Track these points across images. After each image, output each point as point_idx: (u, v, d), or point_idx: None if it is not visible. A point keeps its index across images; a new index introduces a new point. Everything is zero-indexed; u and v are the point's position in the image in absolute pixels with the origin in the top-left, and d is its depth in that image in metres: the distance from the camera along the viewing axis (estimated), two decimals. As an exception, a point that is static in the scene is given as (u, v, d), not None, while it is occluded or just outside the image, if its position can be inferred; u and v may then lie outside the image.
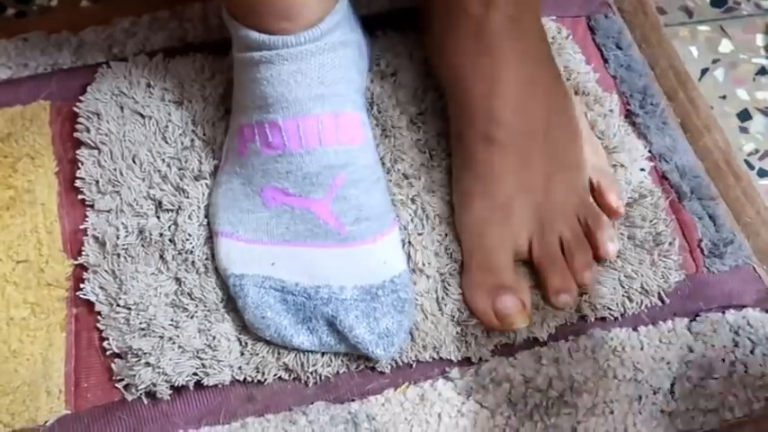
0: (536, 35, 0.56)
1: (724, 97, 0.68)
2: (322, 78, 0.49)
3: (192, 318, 0.51)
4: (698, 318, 0.54)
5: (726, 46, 0.71)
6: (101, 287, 0.52)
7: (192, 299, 0.51)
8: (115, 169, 0.56)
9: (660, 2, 0.73)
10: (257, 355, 0.50)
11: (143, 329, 0.50)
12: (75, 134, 0.58)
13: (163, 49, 0.63)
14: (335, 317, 0.49)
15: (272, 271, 0.50)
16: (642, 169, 0.59)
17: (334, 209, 0.50)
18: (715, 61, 0.70)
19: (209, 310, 0.51)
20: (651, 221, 0.56)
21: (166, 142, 0.57)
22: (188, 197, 0.55)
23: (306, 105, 0.49)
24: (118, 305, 0.51)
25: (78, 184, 0.57)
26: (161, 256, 0.53)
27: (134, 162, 0.56)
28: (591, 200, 0.55)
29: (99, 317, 0.52)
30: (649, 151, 0.61)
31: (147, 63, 0.61)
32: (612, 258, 0.54)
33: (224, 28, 0.64)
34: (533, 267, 0.53)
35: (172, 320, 0.51)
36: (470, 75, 0.54)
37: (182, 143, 0.57)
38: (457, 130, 0.55)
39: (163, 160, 0.57)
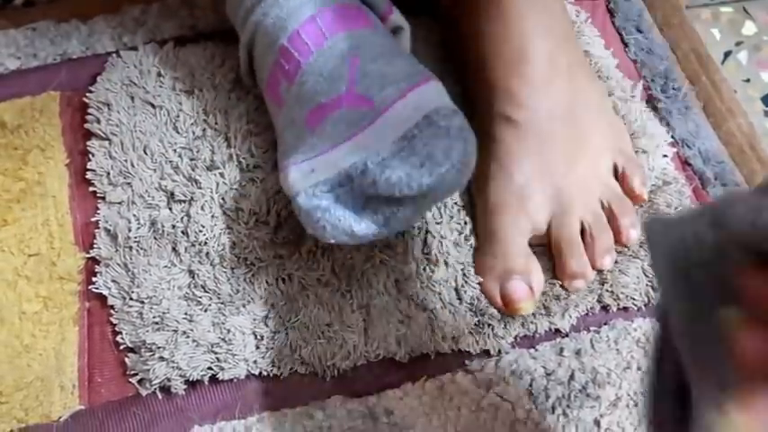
0: (559, 10, 0.54)
1: (748, 80, 0.66)
2: None
3: (205, 311, 0.50)
4: (723, 307, 0.52)
5: (749, 28, 0.69)
6: (113, 281, 0.51)
7: (205, 291, 0.51)
8: (126, 160, 0.55)
9: (681, -17, 0.71)
10: (273, 348, 0.49)
11: (156, 323, 0.49)
12: (86, 125, 0.58)
13: (173, 37, 0.62)
14: (375, 181, 0.43)
15: (317, 177, 0.46)
16: (665, 155, 0.58)
17: (359, 90, 0.46)
18: (738, 44, 0.68)
19: (222, 303, 0.50)
20: (676, 209, 0.54)
21: (178, 132, 0.56)
22: (200, 188, 0.54)
23: (300, 12, 0.49)
24: (131, 299, 0.50)
25: (89, 175, 0.56)
26: (173, 249, 0.52)
27: (145, 153, 0.55)
28: (615, 184, 0.54)
29: (112, 311, 0.51)
30: (672, 137, 0.59)
31: (157, 52, 0.60)
32: (634, 245, 0.52)
33: (235, 15, 0.63)
34: (550, 250, 0.52)
35: (185, 314, 0.50)
36: (491, 55, 0.52)
37: (193, 133, 0.56)
38: (474, 108, 0.54)
39: (174, 150, 0.56)
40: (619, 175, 0.54)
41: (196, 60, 0.60)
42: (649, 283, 0.52)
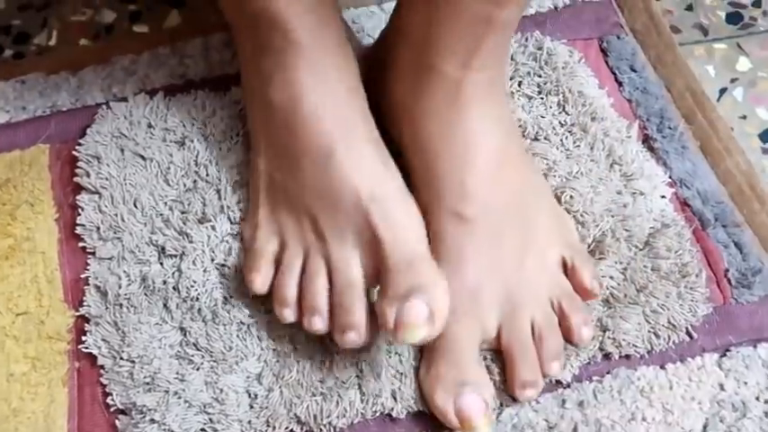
0: (504, 101, 0.53)
1: (744, 117, 0.65)
2: None
3: (197, 370, 0.49)
4: (728, 353, 0.51)
5: (743, 64, 0.68)
6: (103, 339, 0.50)
7: (197, 349, 0.49)
8: (116, 214, 0.54)
9: (673, 20, 0.71)
10: (267, 407, 0.48)
11: (147, 384, 0.48)
12: (75, 178, 0.57)
13: (163, 87, 0.62)
14: None
15: None
16: (663, 196, 0.57)
17: None
18: (733, 80, 0.67)
19: (215, 361, 0.49)
20: (676, 252, 0.53)
21: (168, 185, 0.55)
22: (192, 241, 0.53)
23: None
24: (121, 358, 0.49)
25: (79, 230, 0.55)
26: (165, 305, 0.51)
27: (135, 206, 0.55)
28: (564, 280, 0.51)
29: (102, 371, 0.50)
30: (669, 177, 0.58)
31: (147, 102, 0.60)
32: (586, 344, 0.50)
33: (225, 63, 0.63)
34: (501, 354, 0.49)
35: (177, 374, 0.49)
36: (440, 143, 0.49)
37: (184, 185, 0.55)
38: (422, 199, 0.50)
39: (165, 203, 0.55)
40: (568, 270, 0.51)
41: (186, 110, 0.59)
42: (651, 330, 0.51)
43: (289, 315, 0.49)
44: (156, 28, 0.68)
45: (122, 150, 0.57)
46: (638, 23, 0.67)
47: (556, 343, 0.49)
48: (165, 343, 0.50)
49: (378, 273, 0.48)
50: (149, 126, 0.58)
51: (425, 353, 0.50)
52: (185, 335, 0.50)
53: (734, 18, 0.71)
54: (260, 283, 0.49)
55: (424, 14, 0.48)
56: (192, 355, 0.49)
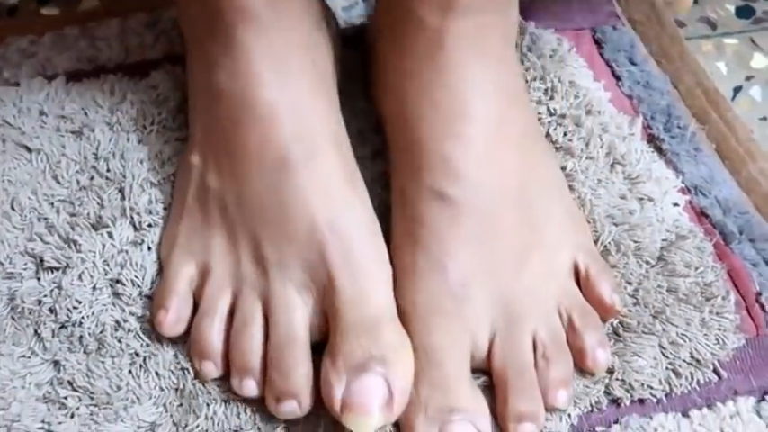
0: (510, 63, 0.43)
1: (765, 119, 0.56)
2: None
3: (71, 417, 0.37)
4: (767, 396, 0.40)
5: (759, 61, 0.59)
6: (-50, 377, 0.38)
7: (73, 389, 0.37)
8: (-13, 218, 0.43)
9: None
10: (160, 468, 0.36)
11: (1, 436, 0.36)
12: (-57, 176, 0.45)
13: (67, 72, 0.51)
14: None
15: None
16: (675, 204, 0.46)
17: None
18: (749, 78, 0.58)
19: (96, 405, 0.37)
20: (697, 269, 0.42)
21: (57, 182, 0.44)
22: (80, 251, 0.41)
23: None
24: (-30, 402, 0.37)
25: (-60, 239, 0.43)
26: (36, 332, 0.39)
27: (13, 208, 0.43)
28: (576, 288, 0.41)
29: (-54, 418, 0.38)
30: (682, 182, 0.48)
31: (43, 87, 0.49)
32: (601, 373, 0.40)
33: (146, 47, 0.52)
34: (491, 376, 0.39)
35: (43, 422, 0.36)
36: (420, 108, 0.41)
37: (77, 182, 0.44)
38: (399, 182, 0.42)
39: (51, 204, 0.43)
40: (581, 279, 0.41)
41: (91, 96, 0.48)
42: (670, 366, 0.40)
43: (211, 371, 0.38)
44: (68, 11, 0.58)
45: (4, 141, 0.46)
46: (637, 13, 0.58)
47: (564, 365, 0.38)
48: (30, 381, 0.38)
49: (327, 324, 0.38)
50: (41, 113, 0.47)
51: None
52: (59, 370, 0.38)
53: (745, 12, 0.62)
54: (168, 324, 0.39)
55: None
56: (65, 398, 0.37)
